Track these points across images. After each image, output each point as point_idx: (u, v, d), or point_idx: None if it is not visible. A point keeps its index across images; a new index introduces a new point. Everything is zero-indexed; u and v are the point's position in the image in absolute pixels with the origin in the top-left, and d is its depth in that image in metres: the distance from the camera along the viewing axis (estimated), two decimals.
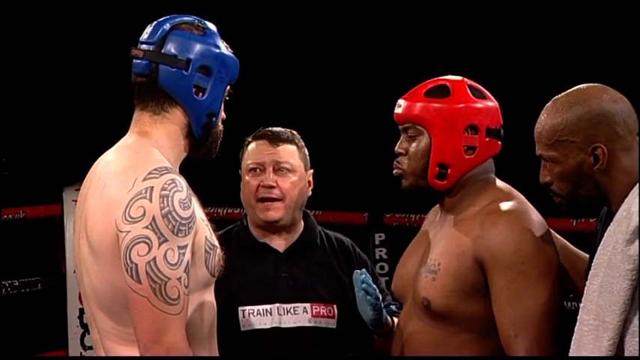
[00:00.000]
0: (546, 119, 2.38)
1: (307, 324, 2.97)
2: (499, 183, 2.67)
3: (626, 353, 2.22)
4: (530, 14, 6.50)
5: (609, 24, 6.16)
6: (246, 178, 3.03)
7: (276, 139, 3.03)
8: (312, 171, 3.10)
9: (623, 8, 5.96)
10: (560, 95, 2.40)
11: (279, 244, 3.05)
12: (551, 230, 2.65)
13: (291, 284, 3.00)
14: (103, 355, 2.30)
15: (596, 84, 2.40)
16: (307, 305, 2.98)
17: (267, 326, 2.96)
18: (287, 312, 2.97)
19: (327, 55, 7.04)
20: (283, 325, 2.97)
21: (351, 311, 2.99)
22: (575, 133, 2.34)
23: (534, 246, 2.50)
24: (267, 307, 2.97)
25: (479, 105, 2.64)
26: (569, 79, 2.57)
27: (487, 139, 2.64)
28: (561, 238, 2.67)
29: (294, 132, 3.08)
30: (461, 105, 2.63)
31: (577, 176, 2.35)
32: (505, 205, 2.57)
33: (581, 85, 2.40)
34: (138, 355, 2.21)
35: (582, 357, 2.26)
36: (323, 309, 2.99)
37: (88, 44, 6.87)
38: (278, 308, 2.97)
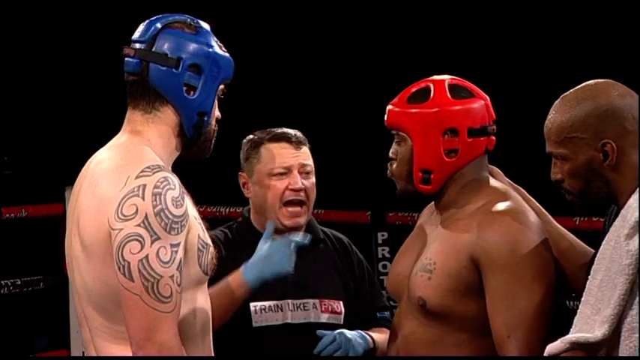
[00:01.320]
0: (555, 116, 2.37)
1: (316, 320, 2.99)
2: (494, 182, 2.66)
3: (623, 349, 2.21)
4: (532, 11, 6.49)
5: (612, 20, 6.14)
6: (269, 182, 3.00)
7: (297, 142, 3.03)
8: None
9: (624, 6, 5.94)
10: (568, 92, 2.39)
11: None
12: (560, 228, 2.65)
13: (299, 280, 3.00)
14: (94, 354, 2.29)
15: (605, 80, 2.39)
16: (317, 301, 3.00)
17: (279, 322, 2.98)
18: (297, 308, 2.99)
19: (330, 53, 7.03)
20: (293, 321, 2.98)
21: (353, 308, 3.03)
22: (583, 130, 2.33)
23: (529, 247, 2.49)
24: (278, 303, 2.99)
25: (457, 107, 2.62)
26: (573, 74, 2.56)
27: (470, 140, 2.62)
28: (570, 238, 2.66)
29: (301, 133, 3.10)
30: (437, 109, 2.62)
31: (587, 173, 2.34)
32: (501, 206, 2.56)
33: (589, 82, 2.39)
34: (129, 353, 2.21)
35: (578, 357, 2.25)
36: (331, 305, 3.01)
37: (90, 44, 6.87)
38: (288, 304, 2.99)
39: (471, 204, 2.61)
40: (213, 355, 2.40)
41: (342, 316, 3.01)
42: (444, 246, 2.59)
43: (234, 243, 3.03)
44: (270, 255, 2.82)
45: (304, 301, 2.99)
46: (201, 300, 2.34)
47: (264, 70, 6.60)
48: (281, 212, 2.99)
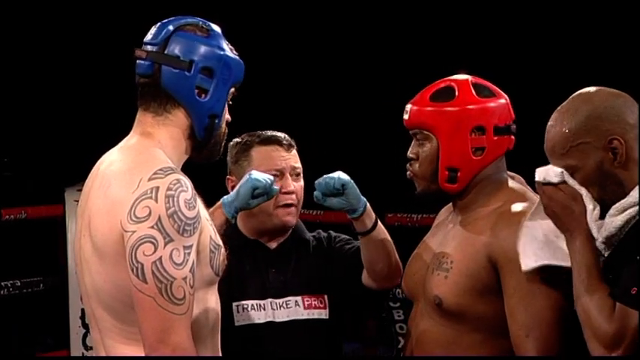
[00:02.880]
0: (555, 130, 2.35)
1: (300, 317, 3.00)
2: (512, 184, 2.67)
3: None
4: (537, 12, 6.50)
5: (615, 23, 6.16)
6: None
7: (288, 145, 3.04)
8: None
9: (627, 7, 5.96)
10: (560, 106, 2.38)
11: (270, 242, 3.08)
12: None
13: (281, 279, 3.02)
14: (103, 354, 2.30)
15: (591, 87, 2.39)
16: (299, 298, 3.01)
17: (262, 321, 2.99)
18: (279, 307, 3.00)
19: (334, 56, 7.04)
20: (277, 320, 2.99)
21: (341, 298, 3.04)
22: (587, 133, 2.31)
23: None
24: (261, 302, 3.00)
25: (484, 105, 2.63)
26: (575, 75, 2.56)
27: (495, 138, 2.63)
28: None
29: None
30: (465, 107, 2.62)
31: (600, 177, 2.31)
32: (519, 206, 2.56)
33: (578, 91, 2.39)
34: (139, 353, 2.22)
35: (583, 357, 2.27)
36: (314, 300, 3.01)
37: (90, 45, 6.87)
38: (271, 303, 3.00)
39: (489, 205, 2.61)
40: (220, 354, 2.41)
41: (327, 310, 3.02)
42: (462, 245, 2.59)
43: None
44: (239, 188, 2.86)
45: (286, 299, 3.01)
46: (212, 301, 2.35)
47: (267, 74, 6.61)
48: (274, 213, 3.01)
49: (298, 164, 3.04)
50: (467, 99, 2.63)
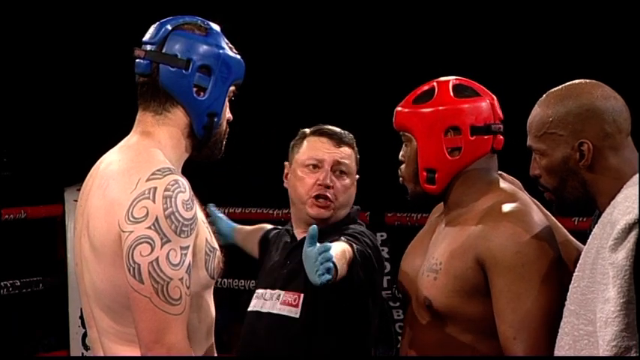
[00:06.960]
0: (538, 111, 2.40)
1: (274, 310, 2.98)
2: (503, 184, 2.66)
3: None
4: (531, 13, 6.51)
5: (609, 22, 6.16)
6: (301, 173, 3.02)
7: (338, 140, 3.03)
8: (357, 176, 3.09)
9: (622, 6, 5.96)
10: (554, 88, 2.41)
11: (304, 233, 3.02)
12: (557, 223, 2.66)
13: (292, 271, 2.99)
14: (101, 354, 2.30)
15: (591, 80, 2.40)
16: (282, 292, 2.99)
17: (253, 309, 3.02)
18: (271, 298, 3.00)
19: (331, 55, 7.04)
20: (263, 310, 3.00)
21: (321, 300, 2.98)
22: (563, 127, 2.35)
23: (535, 248, 2.48)
24: (264, 291, 3.03)
25: (459, 105, 2.63)
26: (568, 76, 2.57)
27: (473, 138, 2.63)
28: (566, 233, 2.67)
29: (351, 135, 3.09)
30: (438, 108, 2.63)
31: (563, 171, 2.36)
32: (508, 207, 2.56)
33: (576, 81, 2.41)
34: (135, 354, 2.22)
35: (583, 357, 2.26)
36: (290, 297, 2.98)
37: (89, 44, 6.88)
38: (264, 294, 3.02)
39: (478, 204, 2.61)
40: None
41: (299, 309, 2.95)
42: (451, 246, 2.58)
43: (270, 245, 3.16)
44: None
45: (277, 292, 2.99)
46: (207, 304, 2.35)
47: (268, 73, 6.62)
48: (308, 202, 2.99)
49: (344, 161, 3.01)
50: (442, 100, 2.64)
